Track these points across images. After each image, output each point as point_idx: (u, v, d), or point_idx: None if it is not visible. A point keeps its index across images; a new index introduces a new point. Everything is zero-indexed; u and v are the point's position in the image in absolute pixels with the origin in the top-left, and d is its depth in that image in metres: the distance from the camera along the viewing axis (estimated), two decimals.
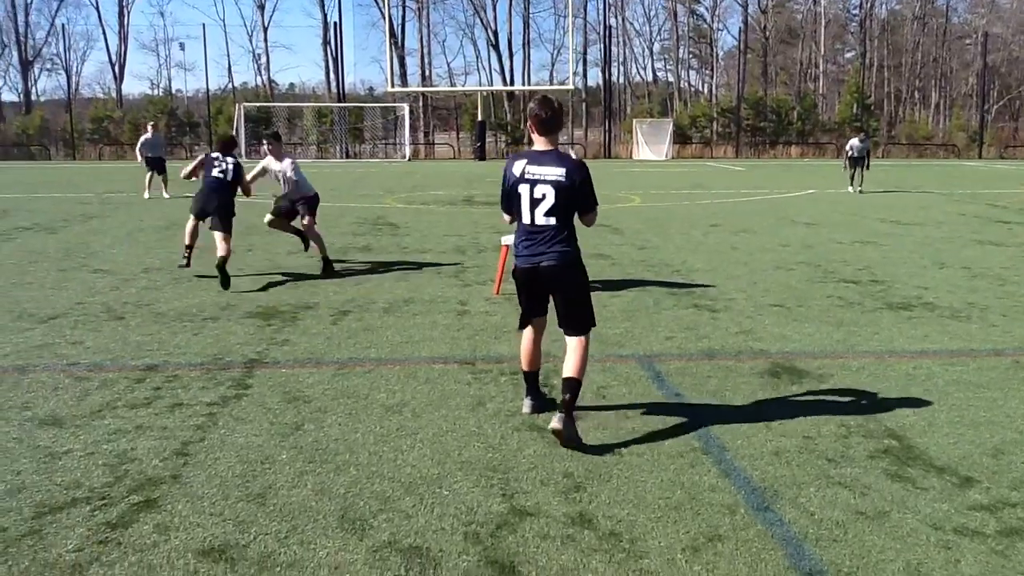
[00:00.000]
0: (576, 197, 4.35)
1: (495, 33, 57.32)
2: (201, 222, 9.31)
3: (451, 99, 57.57)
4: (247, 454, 4.21)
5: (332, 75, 53.52)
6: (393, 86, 45.19)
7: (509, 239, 8.08)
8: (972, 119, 51.20)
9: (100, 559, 3.20)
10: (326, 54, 54.56)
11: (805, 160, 43.91)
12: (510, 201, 4.51)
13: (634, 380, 5.46)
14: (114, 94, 54.85)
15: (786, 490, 3.82)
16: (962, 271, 9.60)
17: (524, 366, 4.75)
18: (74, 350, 6.16)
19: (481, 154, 41.90)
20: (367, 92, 62.09)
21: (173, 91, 58.91)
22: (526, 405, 4.82)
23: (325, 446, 4.32)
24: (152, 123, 22.14)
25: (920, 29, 58.70)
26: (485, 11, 57.11)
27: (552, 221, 4.34)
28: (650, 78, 64.03)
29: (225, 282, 8.51)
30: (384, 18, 45.36)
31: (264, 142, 10.08)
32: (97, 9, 70.33)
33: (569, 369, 4.38)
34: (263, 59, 57.71)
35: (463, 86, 56.87)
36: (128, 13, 56.95)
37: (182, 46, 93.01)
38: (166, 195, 19.82)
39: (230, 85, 58.11)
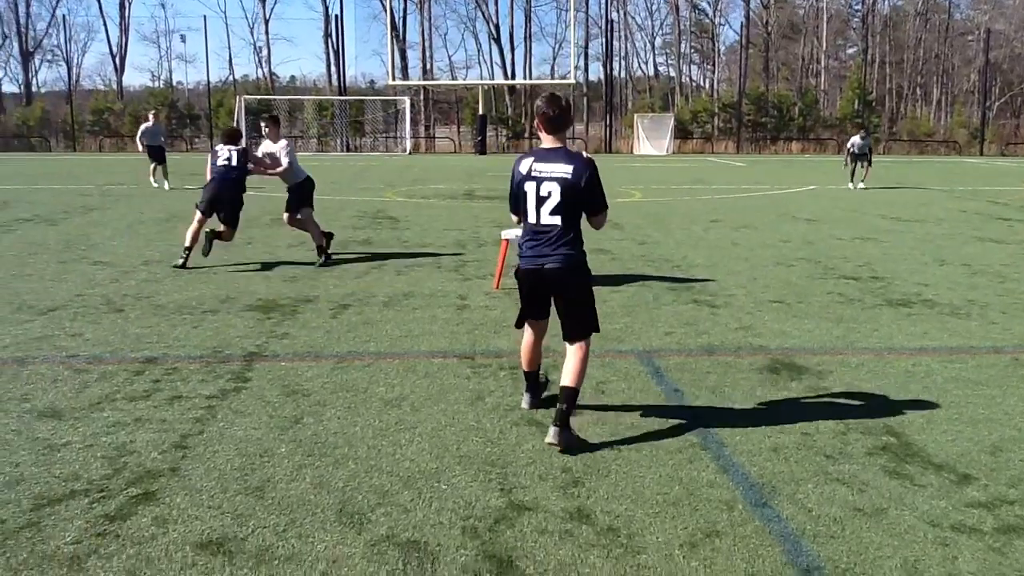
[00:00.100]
0: (583, 196, 4.24)
1: (496, 27, 57.28)
2: (207, 218, 9.47)
3: (452, 93, 57.51)
4: (246, 447, 4.21)
5: (333, 68, 53.50)
6: (394, 79, 45.13)
7: (509, 233, 8.08)
8: (974, 116, 51.12)
9: (98, 551, 3.20)
10: (327, 47, 54.51)
11: (806, 156, 43.87)
12: (517, 200, 4.39)
13: (633, 376, 5.46)
14: (115, 86, 54.74)
15: (784, 486, 3.83)
16: (962, 268, 9.60)
17: (524, 366, 4.73)
18: (73, 342, 6.17)
19: (482, 148, 41.87)
20: (368, 85, 62.13)
21: (174, 83, 58.96)
22: (525, 400, 4.81)
23: (324, 440, 4.32)
24: (153, 112, 22.09)
25: (922, 25, 58.61)
26: (487, 4, 57.06)
27: (557, 221, 4.23)
28: (651, 73, 64.02)
29: (207, 250, 9.29)
30: (385, 11, 45.34)
31: (262, 124, 10.11)
32: (98, 0, 69.92)
33: (567, 377, 4.30)
34: (264, 51, 57.79)
35: (464, 80, 56.82)
36: (129, 4, 56.86)
37: (183, 38, 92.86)
38: (167, 186, 19.81)
39: (231, 77, 58.07)
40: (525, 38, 57.13)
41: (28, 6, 54.84)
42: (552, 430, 4.20)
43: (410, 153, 42.90)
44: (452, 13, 72.90)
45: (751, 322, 6.91)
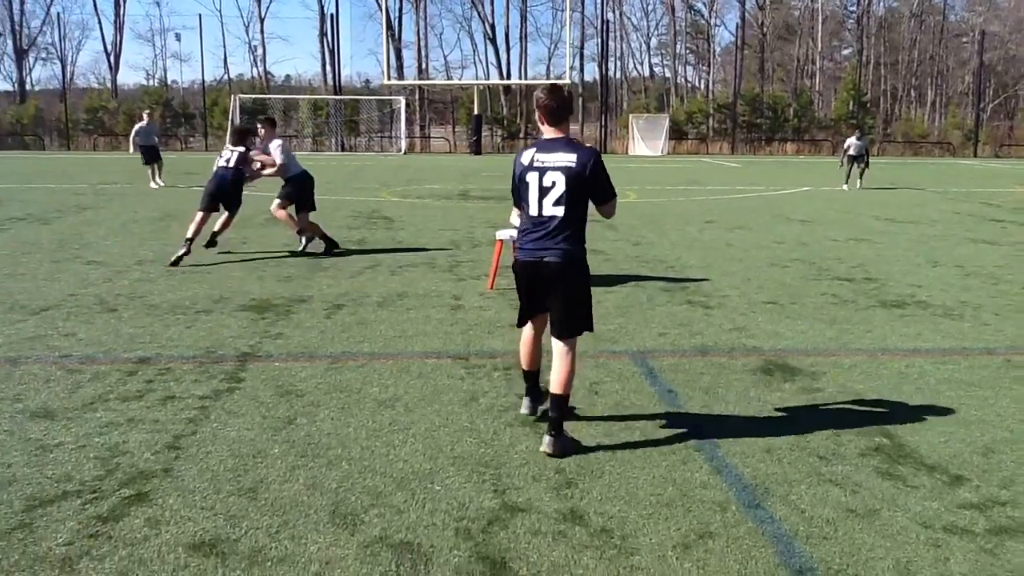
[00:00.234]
0: (588, 185, 4.12)
1: (492, 26, 57.30)
2: (208, 215, 9.89)
3: (447, 93, 57.51)
4: (239, 448, 4.20)
5: (328, 67, 53.45)
6: (389, 79, 45.10)
7: (503, 234, 8.08)
8: (968, 117, 51.29)
9: (90, 553, 3.19)
10: (322, 46, 54.56)
11: (801, 157, 43.95)
12: (519, 192, 4.27)
13: (627, 376, 5.47)
14: (109, 84, 54.69)
15: (777, 487, 3.83)
16: (955, 269, 9.62)
17: (524, 365, 4.60)
18: (66, 342, 6.15)
19: (477, 148, 41.87)
20: (363, 85, 62.07)
21: (168, 82, 58.83)
22: (525, 405, 4.68)
23: (317, 440, 4.32)
24: (148, 111, 22.05)
25: (917, 27, 58.76)
26: (482, 4, 57.09)
27: (560, 212, 4.10)
28: (647, 73, 64.13)
29: (211, 243, 9.90)
30: (381, 10, 45.36)
31: (258, 126, 10.46)
32: None
33: (555, 384, 4.19)
34: (259, 50, 57.71)
35: (460, 79, 56.80)
36: (124, 3, 56.82)
37: (178, 36, 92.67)
38: (160, 183, 19.78)
39: (226, 76, 57.99)
40: (521, 38, 57.46)
41: (22, 4, 54.76)
42: (546, 439, 4.15)
43: (405, 153, 42.88)
44: (448, 13, 73.02)
45: (745, 323, 6.92)
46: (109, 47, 55.94)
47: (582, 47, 57.64)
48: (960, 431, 4.55)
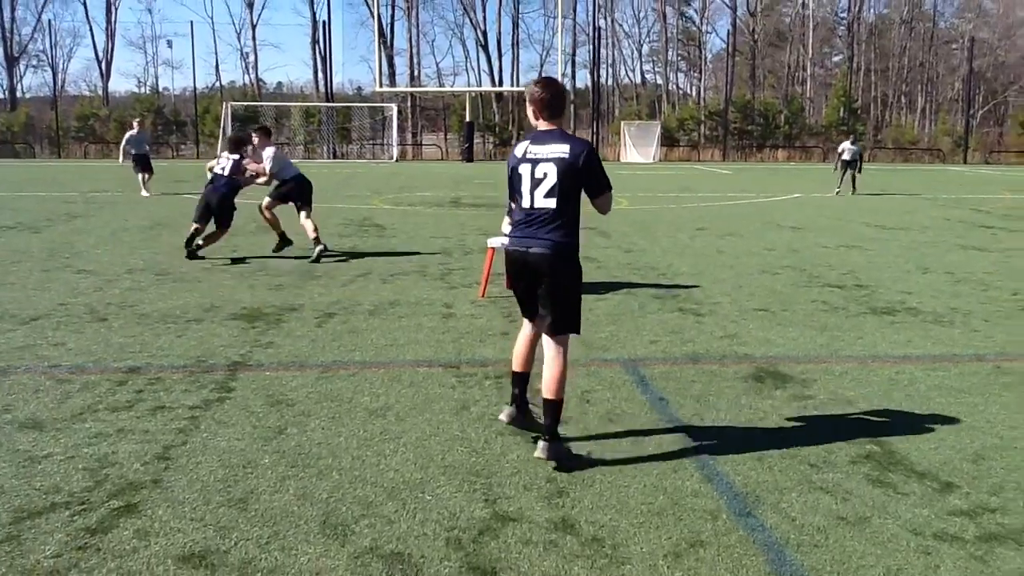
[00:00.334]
0: (581, 177, 4.02)
1: (484, 33, 57.41)
2: (203, 227, 10.37)
3: (439, 100, 57.55)
4: (229, 458, 4.19)
5: (320, 74, 53.50)
6: (381, 86, 45.08)
7: (495, 241, 8.08)
8: (958, 124, 51.54)
9: (79, 565, 3.17)
10: (314, 53, 54.50)
11: (792, 164, 44.10)
12: (512, 185, 4.18)
13: (618, 384, 5.47)
14: (100, 92, 54.54)
15: (768, 495, 3.83)
16: (945, 276, 9.66)
17: (514, 365, 4.41)
18: (56, 352, 6.12)
19: (469, 155, 41.87)
20: (355, 92, 62.00)
21: (160, 89, 58.70)
22: (505, 413, 4.42)
23: (308, 450, 4.30)
24: (138, 120, 22.07)
25: (907, 33, 59.08)
26: (474, 11, 57.22)
27: (552, 204, 4.01)
28: (638, 80, 64.27)
29: (191, 254, 10.14)
30: (373, 17, 45.33)
31: (253, 135, 10.79)
32: (84, 5, 70.08)
33: (547, 389, 4.09)
34: (251, 57, 57.61)
35: (452, 87, 56.85)
36: (116, 10, 56.66)
37: (170, 44, 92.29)
38: (147, 193, 19.73)
39: (218, 83, 57.91)
40: (512, 45, 57.34)
41: (13, 11, 54.62)
42: (540, 444, 4.08)
43: (397, 160, 42.87)
44: (440, 20, 72.77)
45: (736, 330, 6.94)
46: (100, 54, 55.88)
47: (574, 54, 57.87)
48: (950, 438, 4.56)
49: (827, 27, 60.92)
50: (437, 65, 71.16)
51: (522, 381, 4.43)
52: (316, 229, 10.40)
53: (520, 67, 58.28)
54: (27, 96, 55.42)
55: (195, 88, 49.22)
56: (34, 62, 57.05)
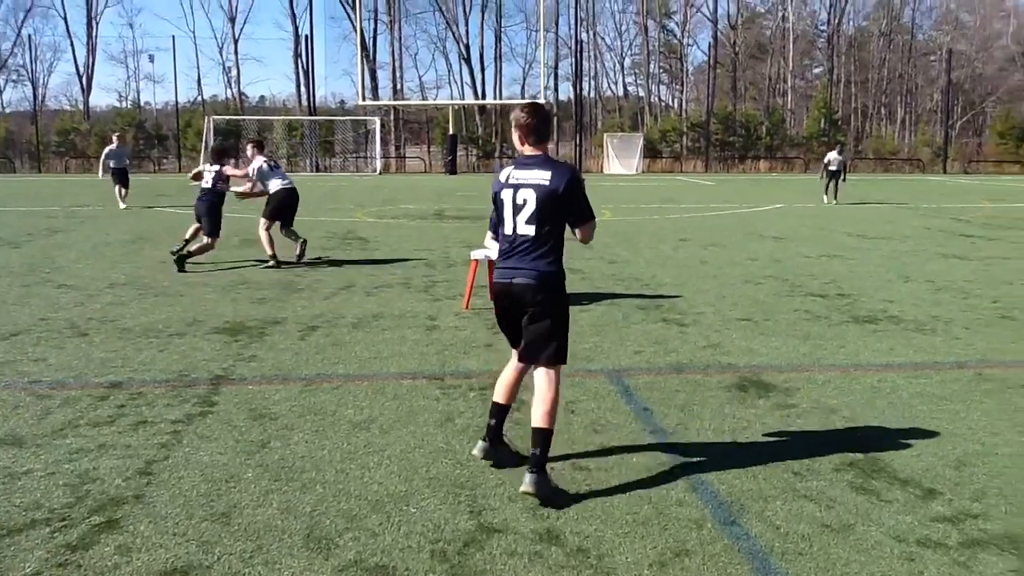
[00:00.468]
0: (562, 205, 3.93)
1: (467, 47, 57.57)
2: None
3: (422, 113, 57.65)
4: (212, 472, 4.16)
5: (303, 88, 53.47)
6: (364, 99, 45.12)
7: (479, 254, 8.09)
8: (937, 134, 52.10)
9: None
10: (297, 67, 54.52)
11: (773, 174, 44.40)
12: (497, 211, 4.13)
13: (603, 395, 5.47)
14: (81, 106, 54.32)
15: (752, 504, 3.84)
16: (926, 284, 9.73)
17: (497, 395, 4.24)
18: (36, 367, 6.06)
19: (452, 168, 41.94)
20: (338, 105, 62.01)
21: (141, 103, 58.50)
22: (478, 448, 4.27)
23: (291, 464, 4.28)
24: (118, 134, 22.04)
25: (886, 45, 59.74)
26: (457, 25, 57.38)
27: (531, 231, 3.93)
28: (621, 93, 64.52)
29: (180, 264, 10.29)
30: (356, 31, 45.42)
31: (247, 145, 11.45)
32: (65, 20, 69.16)
33: (537, 418, 3.92)
34: (233, 72, 57.49)
35: (434, 100, 56.96)
36: (97, 24, 56.56)
37: (151, 58, 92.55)
38: (123, 206, 19.68)
39: (200, 98, 57.77)
40: (495, 58, 57.50)
41: None
42: (527, 477, 3.86)
43: (380, 173, 42.87)
44: (422, 33, 73.18)
45: (719, 340, 6.96)
46: (81, 69, 55.67)
47: (556, 67, 58.12)
48: (932, 445, 4.59)
49: (807, 39, 61.49)
50: (420, 78, 71.16)
51: (500, 413, 4.27)
52: (273, 244, 10.77)
53: (503, 80, 58.51)
54: (7, 110, 55.14)
55: (177, 102, 49.09)
56: (14, 76, 56.71)
